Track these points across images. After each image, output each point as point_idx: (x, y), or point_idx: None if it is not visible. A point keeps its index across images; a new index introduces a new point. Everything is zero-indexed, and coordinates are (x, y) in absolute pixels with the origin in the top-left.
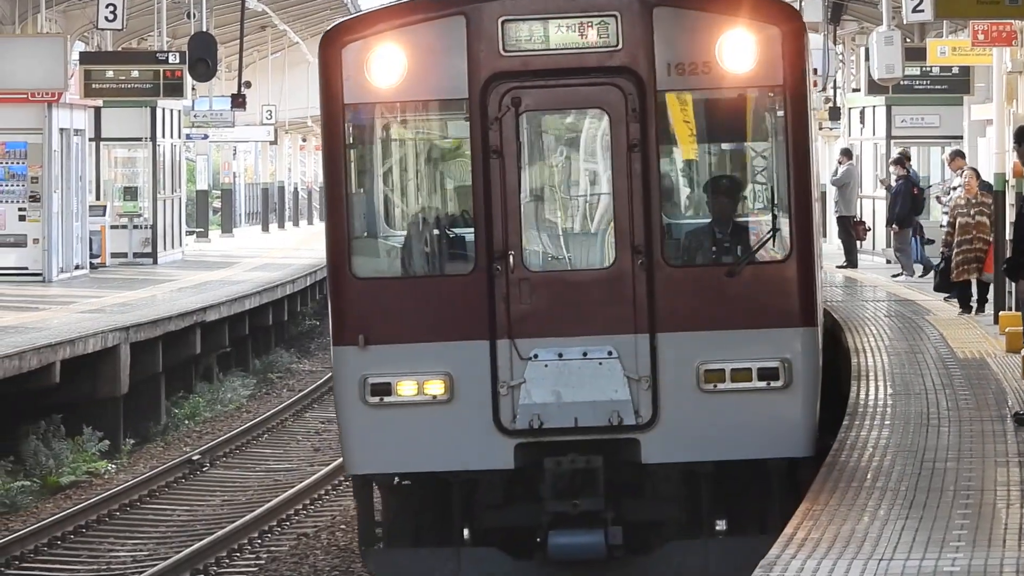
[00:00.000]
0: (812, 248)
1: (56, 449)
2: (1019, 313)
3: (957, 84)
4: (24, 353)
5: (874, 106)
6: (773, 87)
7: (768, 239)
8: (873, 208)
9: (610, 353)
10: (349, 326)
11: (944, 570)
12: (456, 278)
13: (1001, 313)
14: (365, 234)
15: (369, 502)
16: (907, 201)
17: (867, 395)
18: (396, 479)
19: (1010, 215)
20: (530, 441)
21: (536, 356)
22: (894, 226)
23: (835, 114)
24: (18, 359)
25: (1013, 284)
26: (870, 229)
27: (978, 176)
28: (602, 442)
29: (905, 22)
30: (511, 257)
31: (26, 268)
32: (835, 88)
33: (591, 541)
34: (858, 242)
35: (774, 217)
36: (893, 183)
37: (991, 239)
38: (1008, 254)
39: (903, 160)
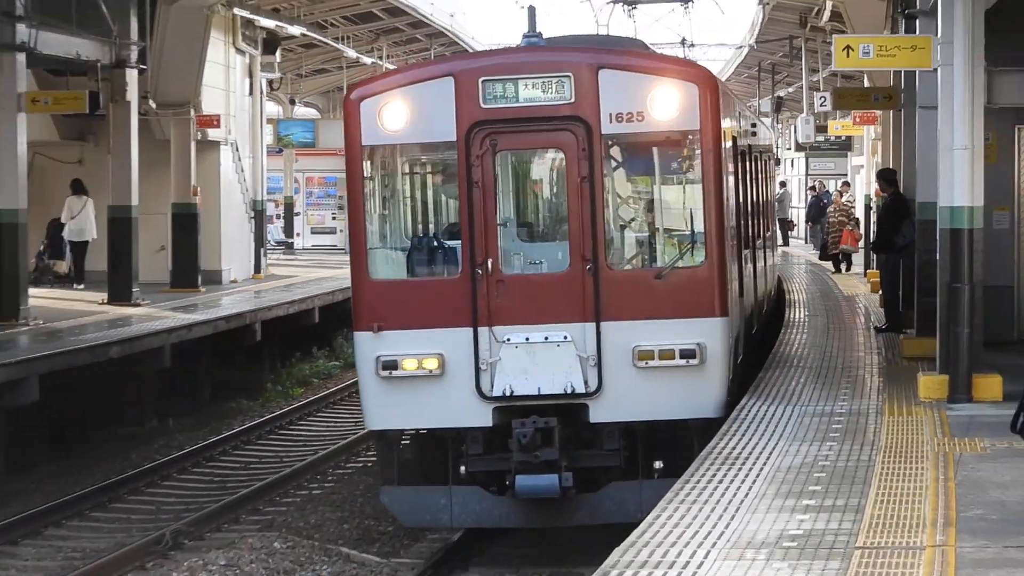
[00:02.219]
0: (724, 256)
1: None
2: (878, 271)
3: (844, 145)
4: (334, 292)
5: (797, 158)
6: (691, 131)
7: (687, 251)
8: (798, 214)
9: (565, 337)
10: (366, 317)
11: (837, 411)
12: (447, 280)
13: (868, 270)
14: (379, 246)
15: (387, 452)
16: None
17: (794, 315)
18: (403, 434)
19: (874, 216)
20: (504, 405)
21: (508, 340)
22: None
23: (777, 162)
24: (329, 295)
25: (875, 256)
26: (796, 225)
27: (841, 195)
28: (559, 406)
29: (816, 111)
30: (490, 264)
31: (336, 246)
32: (776, 147)
33: (548, 483)
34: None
35: (692, 232)
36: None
37: (847, 229)
38: (873, 238)
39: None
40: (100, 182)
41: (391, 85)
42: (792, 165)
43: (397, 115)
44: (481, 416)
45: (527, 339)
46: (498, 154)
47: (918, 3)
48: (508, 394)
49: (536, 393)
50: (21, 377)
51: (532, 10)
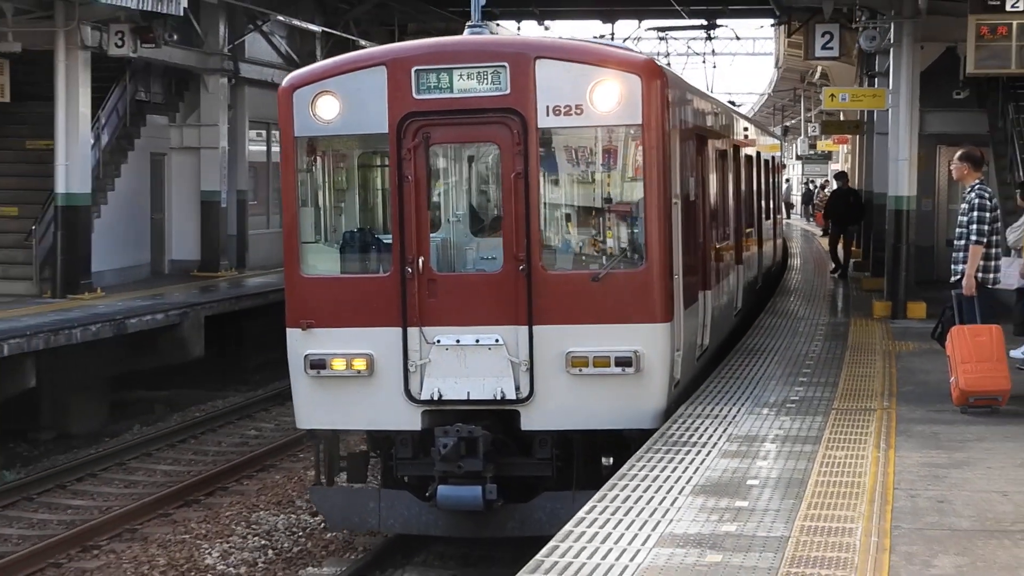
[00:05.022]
0: (666, 258)
1: None
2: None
3: (826, 156)
4: None
5: (797, 164)
6: (633, 125)
7: (624, 254)
8: (797, 199)
9: (497, 341)
10: (296, 313)
11: (821, 322)
12: (378, 278)
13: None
14: (311, 241)
15: (319, 451)
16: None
17: (792, 262)
18: (334, 434)
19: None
20: (433, 409)
21: (439, 341)
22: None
23: (783, 165)
24: None
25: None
26: (795, 206)
27: (823, 189)
28: (490, 412)
29: (809, 135)
30: (420, 262)
31: None
32: (782, 153)
33: (469, 495)
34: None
35: (632, 233)
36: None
37: (818, 212)
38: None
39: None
40: None
41: (324, 74)
42: (794, 169)
43: (330, 105)
44: (410, 420)
45: (458, 341)
46: (431, 148)
47: (877, 67)
48: (436, 398)
49: (465, 398)
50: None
51: (478, 1)
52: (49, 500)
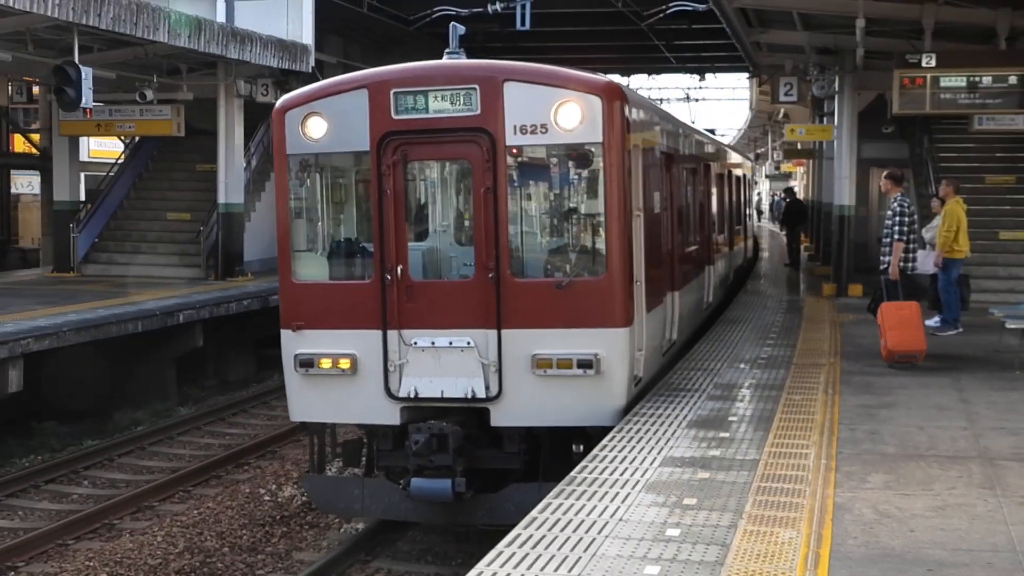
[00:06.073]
0: (626, 267)
1: None
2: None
3: (787, 176)
4: None
5: (766, 181)
6: (593, 143)
7: (586, 263)
8: (765, 207)
9: (469, 343)
10: (288, 316)
11: (784, 299)
12: (361, 284)
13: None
14: (303, 250)
15: (311, 441)
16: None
17: (761, 254)
18: (323, 427)
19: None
20: (411, 405)
21: (416, 343)
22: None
23: (755, 184)
24: None
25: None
26: (763, 212)
27: (786, 199)
28: (462, 408)
29: (775, 160)
30: (399, 270)
31: None
32: (754, 172)
33: (440, 487)
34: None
35: (594, 244)
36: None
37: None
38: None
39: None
40: None
41: (313, 96)
42: (763, 184)
43: (318, 125)
44: (390, 415)
45: (433, 343)
46: (408, 164)
47: (825, 108)
48: (413, 395)
49: (440, 396)
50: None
51: (455, 28)
52: (212, 429)
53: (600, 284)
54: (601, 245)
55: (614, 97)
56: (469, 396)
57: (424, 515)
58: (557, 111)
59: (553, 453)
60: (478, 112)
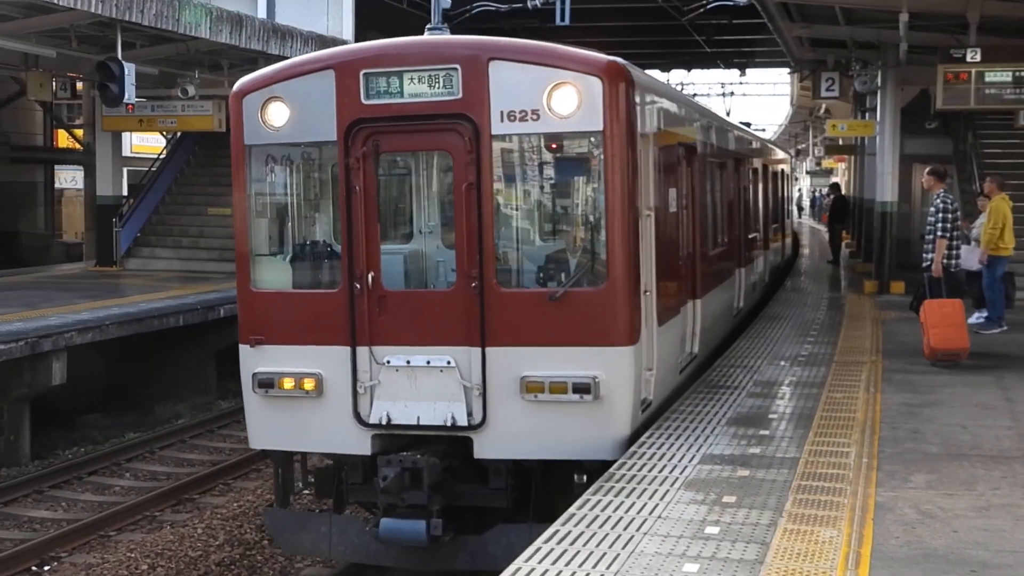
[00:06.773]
0: (631, 276)
1: None
2: (828, 233)
3: (829, 172)
4: None
5: (807, 177)
6: (593, 132)
7: (584, 271)
8: (807, 203)
9: (449, 363)
10: (246, 329)
11: (825, 296)
12: (327, 293)
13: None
14: (263, 254)
15: (276, 471)
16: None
17: (801, 251)
18: (287, 455)
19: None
20: (383, 433)
21: (388, 362)
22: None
23: (795, 180)
24: None
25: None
26: (804, 209)
27: (828, 196)
28: (441, 438)
29: (816, 155)
30: (370, 278)
31: None
32: (793, 170)
33: (412, 530)
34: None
35: (593, 249)
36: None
37: (824, 214)
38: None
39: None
40: None
41: (273, 79)
42: (804, 180)
43: (278, 112)
44: (359, 443)
45: (408, 362)
46: (380, 156)
47: (868, 104)
48: (385, 422)
49: (415, 423)
50: None
51: (437, 1)
52: None
53: (600, 295)
54: (602, 250)
55: (618, 79)
56: (449, 424)
57: (397, 559)
58: (551, 95)
59: (545, 489)
60: (459, 96)
